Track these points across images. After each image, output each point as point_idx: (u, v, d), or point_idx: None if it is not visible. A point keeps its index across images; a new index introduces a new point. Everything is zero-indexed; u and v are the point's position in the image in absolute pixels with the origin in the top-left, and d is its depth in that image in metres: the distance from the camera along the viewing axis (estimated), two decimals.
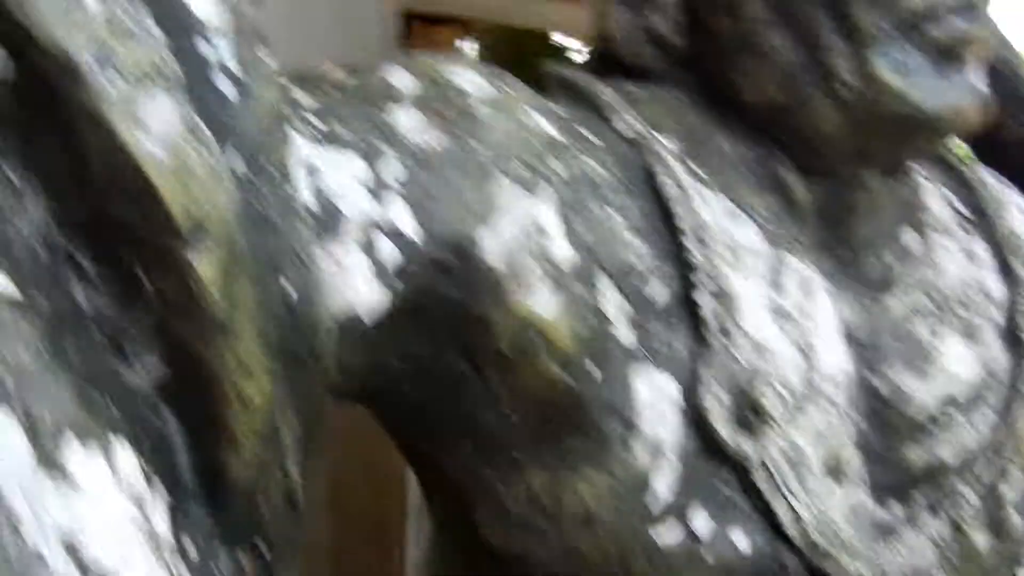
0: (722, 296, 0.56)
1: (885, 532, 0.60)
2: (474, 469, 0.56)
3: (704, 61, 0.62)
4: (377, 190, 0.49)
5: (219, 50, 0.39)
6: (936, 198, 0.68)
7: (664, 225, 0.57)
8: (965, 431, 0.62)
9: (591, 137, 0.58)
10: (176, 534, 0.38)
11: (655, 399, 0.55)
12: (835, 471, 0.59)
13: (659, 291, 0.56)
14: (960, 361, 0.63)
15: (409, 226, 0.50)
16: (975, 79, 0.59)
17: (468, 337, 0.52)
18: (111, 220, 0.37)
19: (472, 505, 0.58)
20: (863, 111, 0.58)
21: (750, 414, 0.56)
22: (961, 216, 0.68)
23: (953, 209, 0.69)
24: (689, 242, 0.56)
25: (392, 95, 0.52)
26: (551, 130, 0.55)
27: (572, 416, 0.54)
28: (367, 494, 1.51)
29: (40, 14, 0.34)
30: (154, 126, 0.36)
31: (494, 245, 0.51)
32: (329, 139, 0.49)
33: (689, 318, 0.56)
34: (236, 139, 0.39)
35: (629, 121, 0.59)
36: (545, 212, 0.53)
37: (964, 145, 0.76)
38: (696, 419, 0.55)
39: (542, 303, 0.53)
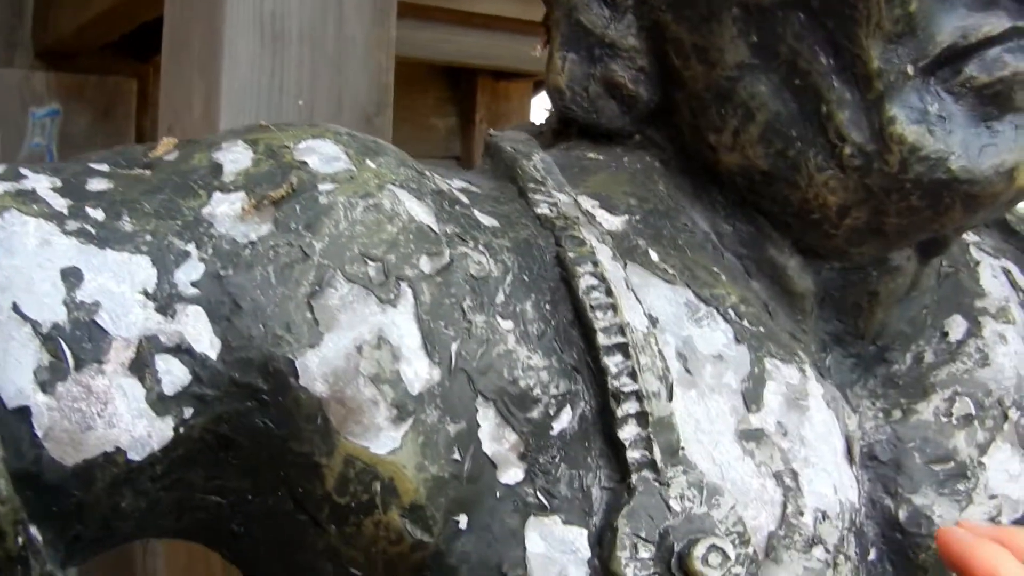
0: (653, 422, 0.43)
1: None
2: None
3: (676, 117, 0.50)
4: (163, 298, 0.38)
5: None
6: (995, 274, 0.54)
7: (578, 331, 0.44)
8: None
9: (492, 222, 0.46)
10: None
11: (553, 554, 0.42)
12: None
13: (563, 417, 0.43)
14: (1011, 480, 0.50)
15: (204, 341, 0.38)
16: None
17: (294, 480, 0.41)
18: None
19: None
20: (879, 179, 0.45)
21: None
22: None
23: (1015, 287, 0.54)
24: (607, 353, 0.43)
25: (217, 178, 0.41)
26: (425, 219, 0.43)
27: None
28: None
29: None
30: None
31: (319, 369, 0.40)
32: (106, 240, 0.38)
33: (608, 450, 0.43)
34: None
35: (558, 199, 0.47)
36: (399, 324, 0.41)
37: None
38: None
39: (382, 440, 0.40)
